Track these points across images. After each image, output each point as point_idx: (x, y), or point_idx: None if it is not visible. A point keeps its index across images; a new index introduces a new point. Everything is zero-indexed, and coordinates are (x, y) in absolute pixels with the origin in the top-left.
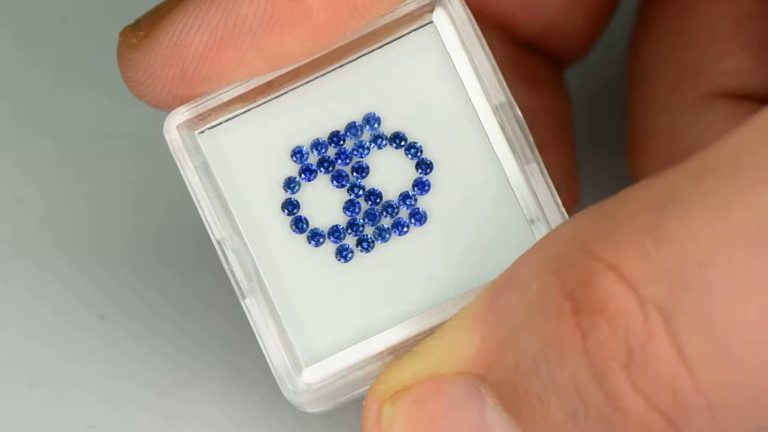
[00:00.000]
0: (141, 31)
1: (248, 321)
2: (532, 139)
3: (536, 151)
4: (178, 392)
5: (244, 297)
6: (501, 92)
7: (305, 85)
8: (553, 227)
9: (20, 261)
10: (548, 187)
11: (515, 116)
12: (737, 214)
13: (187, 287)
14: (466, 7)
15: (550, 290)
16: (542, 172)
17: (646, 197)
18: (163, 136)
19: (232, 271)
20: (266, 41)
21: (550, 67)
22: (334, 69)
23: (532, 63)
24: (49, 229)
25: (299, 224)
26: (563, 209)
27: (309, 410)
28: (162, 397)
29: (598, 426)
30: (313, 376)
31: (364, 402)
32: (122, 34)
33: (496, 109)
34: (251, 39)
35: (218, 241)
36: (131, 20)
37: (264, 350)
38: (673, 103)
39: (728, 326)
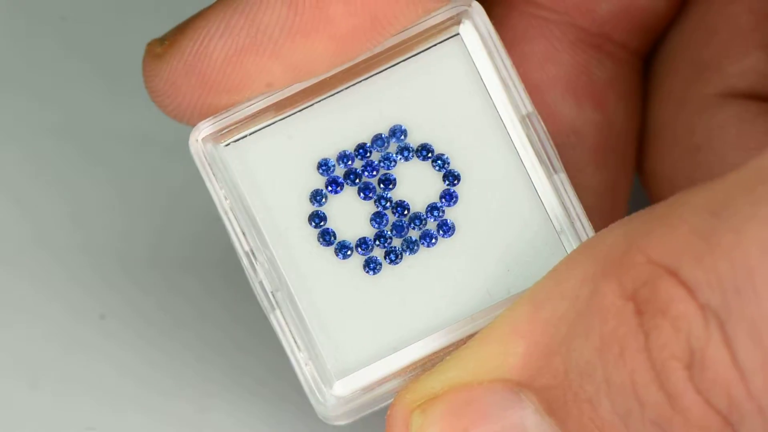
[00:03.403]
0: (166, 41)
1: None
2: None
3: (560, 162)
4: (179, 393)
5: (272, 310)
6: (527, 103)
7: (331, 98)
8: (582, 238)
9: (21, 261)
10: (574, 197)
11: (541, 126)
12: None
13: (189, 289)
14: (489, 21)
15: (606, 293)
16: (568, 183)
17: (700, 203)
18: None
19: (261, 284)
20: (287, 49)
21: (628, 69)
22: (360, 81)
23: (606, 68)
24: (54, 230)
25: (326, 237)
26: (587, 220)
27: (336, 423)
28: (163, 399)
29: (650, 427)
30: (344, 389)
31: (389, 411)
32: (149, 45)
33: (524, 119)
34: (272, 47)
35: (245, 254)
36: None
37: (293, 363)
38: (686, 99)
39: None
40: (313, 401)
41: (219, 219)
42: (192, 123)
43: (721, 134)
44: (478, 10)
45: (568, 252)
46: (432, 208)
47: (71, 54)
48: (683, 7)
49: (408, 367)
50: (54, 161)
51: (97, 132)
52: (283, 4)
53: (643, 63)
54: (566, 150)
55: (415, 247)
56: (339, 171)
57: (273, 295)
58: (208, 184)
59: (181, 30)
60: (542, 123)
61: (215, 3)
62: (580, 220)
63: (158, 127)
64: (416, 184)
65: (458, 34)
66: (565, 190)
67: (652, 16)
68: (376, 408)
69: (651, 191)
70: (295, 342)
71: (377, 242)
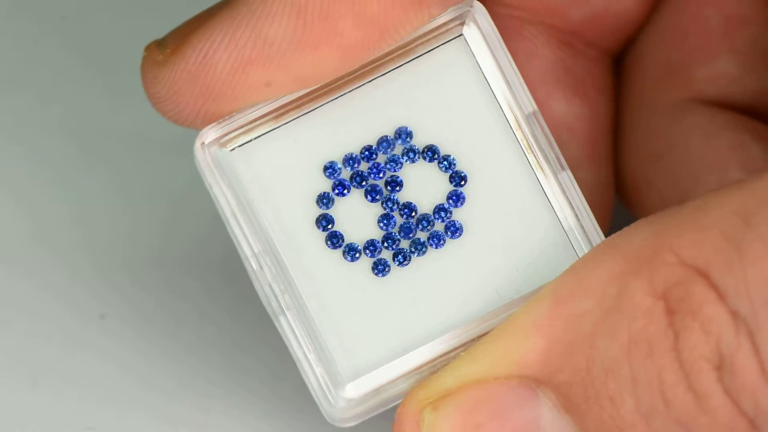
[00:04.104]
0: (167, 48)
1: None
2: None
3: (564, 160)
4: (180, 394)
5: (281, 313)
6: (530, 102)
7: (336, 101)
8: (590, 236)
9: (21, 260)
10: (580, 194)
11: (544, 125)
12: None
13: (190, 289)
14: (491, 21)
15: (636, 291)
16: (573, 180)
17: (731, 207)
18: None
19: (270, 287)
20: (294, 62)
21: (600, 66)
22: (365, 84)
23: (580, 65)
24: (55, 229)
25: (334, 239)
26: (593, 217)
27: (345, 425)
28: (164, 399)
29: (674, 426)
30: (355, 391)
31: (399, 409)
32: (147, 50)
33: (528, 118)
34: (279, 59)
35: (253, 257)
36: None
37: (302, 365)
38: (653, 102)
39: None
40: (323, 403)
41: (221, 219)
42: (193, 127)
43: (685, 143)
44: (481, 11)
45: (577, 250)
46: (439, 209)
47: (71, 54)
48: (657, 8)
49: (418, 368)
50: (55, 160)
51: (98, 131)
52: (290, 17)
53: (614, 62)
54: (561, 147)
55: (424, 249)
56: (345, 174)
57: (282, 299)
58: (215, 189)
59: (183, 37)
60: (544, 121)
61: (218, 10)
62: (588, 217)
63: (160, 127)
64: (423, 186)
65: (462, 34)
66: (571, 187)
67: (624, 20)
68: (384, 409)
69: (617, 191)
70: (305, 345)
71: (385, 244)
